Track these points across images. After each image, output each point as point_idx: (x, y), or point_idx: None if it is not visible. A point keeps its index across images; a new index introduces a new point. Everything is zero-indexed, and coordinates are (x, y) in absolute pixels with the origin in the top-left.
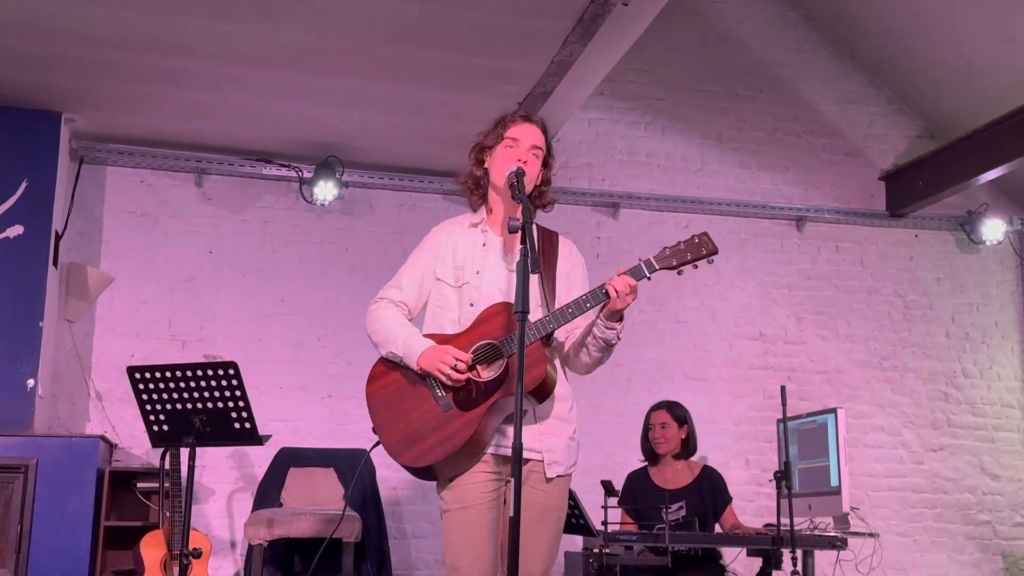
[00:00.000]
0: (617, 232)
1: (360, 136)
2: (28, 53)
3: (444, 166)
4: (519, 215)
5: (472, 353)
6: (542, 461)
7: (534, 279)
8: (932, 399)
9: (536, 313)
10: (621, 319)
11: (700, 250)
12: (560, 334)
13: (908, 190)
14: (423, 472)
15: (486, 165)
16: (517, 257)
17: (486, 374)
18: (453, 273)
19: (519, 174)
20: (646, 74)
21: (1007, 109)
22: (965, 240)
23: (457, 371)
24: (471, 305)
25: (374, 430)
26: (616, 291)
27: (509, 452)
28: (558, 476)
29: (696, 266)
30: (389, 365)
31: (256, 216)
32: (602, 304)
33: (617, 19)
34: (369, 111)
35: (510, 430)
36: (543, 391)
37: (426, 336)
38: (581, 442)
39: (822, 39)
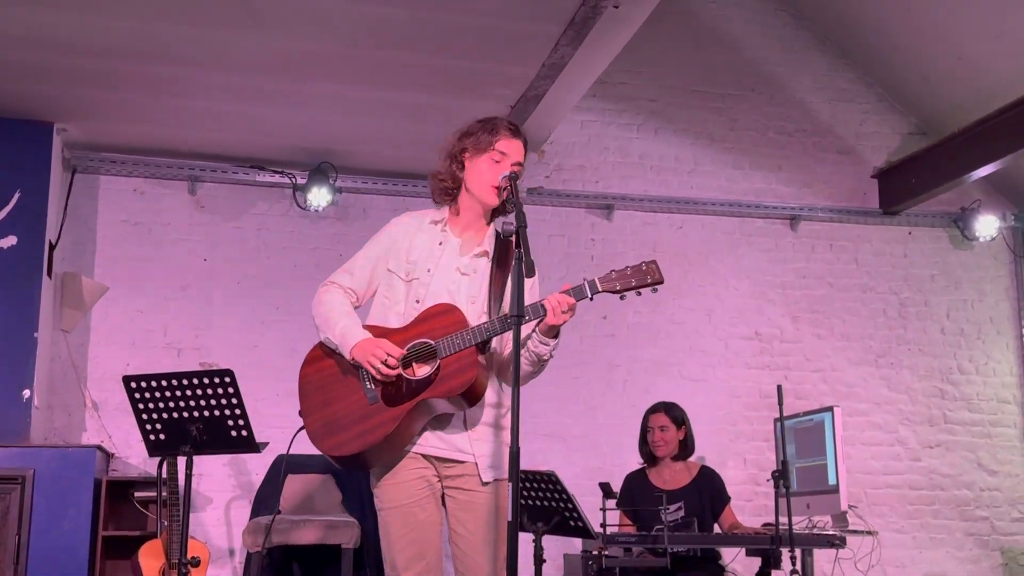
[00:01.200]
0: (611, 234)
1: (353, 141)
2: (19, 63)
3: (437, 170)
4: (512, 220)
5: (407, 350)
6: (476, 464)
7: (484, 285)
8: (928, 396)
9: (479, 319)
10: (556, 336)
11: (646, 277)
12: (496, 343)
13: (901, 187)
14: (344, 461)
15: (466, 168)
16: (472, 263)
17: (419, 373)
18: (405, 267)
19: (513, 178)
20: (638, 75)
21: (999, 105)
22: (959, 236)
23: (387, 366)
24: (417, 302)
25: (300, 413)
26: (552, 307)
27: (443, 454)
28: (496, 479)
29: (639, 293)
30: (326, 350)
31: (250, 223)
32: (540, 319)
33: (608, 21)
34: (361, 116)
35: (445, 434)
36: (472, 396)
37: (368, 326)
38: (577, 444)
39: (812, 37)
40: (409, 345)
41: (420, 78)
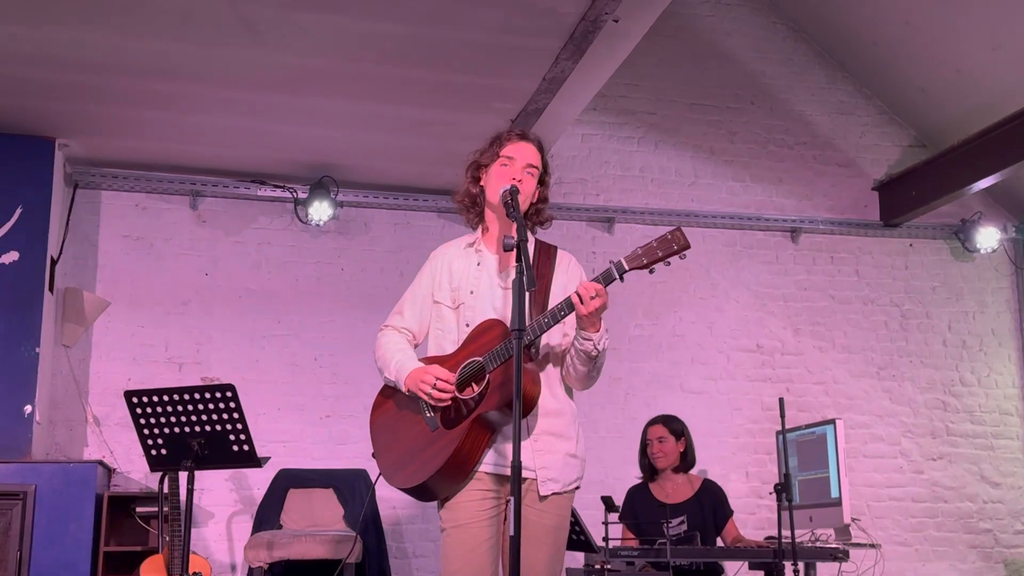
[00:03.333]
0: (612, 247)
1: (354, 156)
2: (21, 79)
3: (438, 184)
4: (514, 233)
5: (460, 371)
6: (536, 479)
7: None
8: (930, 408)
9: None
10: (598, 329)
11: (671, 246)
12: (561, 350)
13: (901, 200)
14: (418, 492)
15: (482, 183)
16: (511, 274)
17: (472, 392)
18: (450, 295)
19: (513, 192)
20: (638, 89)
21: (998, 117)
22: (960, 248)
23: (438, 390)
24: (467, 325)
25: (373, 455)
26: (579, 296)
27: (506, 471)
28: (554, 494)
29: (668, 263)
30: (388, 391)
31: (251, 238)
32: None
33: (608, 36)
34: (362, 131)
35: (506, 448)
36: (526, 404)
37: (428, 358)
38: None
39: (811, 50)
40: (461, 367)
41: (421, 92)
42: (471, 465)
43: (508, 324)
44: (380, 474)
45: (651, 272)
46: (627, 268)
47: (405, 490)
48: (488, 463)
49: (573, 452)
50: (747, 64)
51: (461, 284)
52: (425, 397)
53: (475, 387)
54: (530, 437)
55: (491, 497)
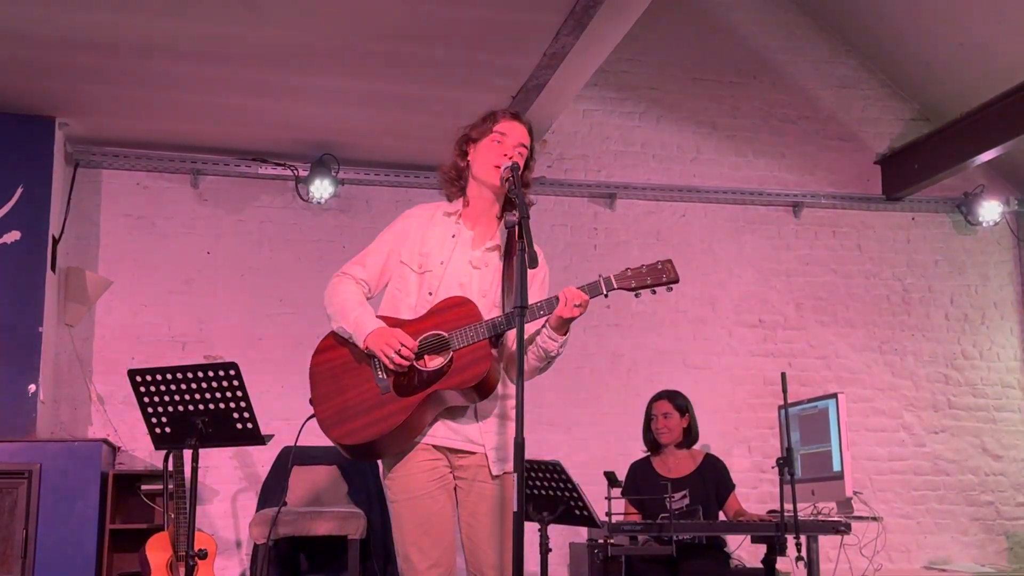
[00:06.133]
0: (614, 223)
1: (355, 133)
2: (21, 59)
3: (439, 161)
4: (515, 213)
5: (420, 341)
6: (486, 456)
7: (496, 279)
8: (932, 381)
9: (492, 312)
10: (566, 332)
11: (661, 276)
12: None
13: (904, 173)
14: (355, 451)
15: (470, 157)
16: (482, 254)
17: (432, 364)
18: (418, 259)
19: (514, 168)
20: (639, 64)
21: (1001, 90)
22: (962, 222)
23: (401, 356)
24: (429, 294)
25: (311, 401)
26: (565, 297)
27: (455, 444)
28: (506, 473)
29: (654, 292)
30: (338, 339)
31: (253, 216)
32: (548, 315)
33: (609, 10)
34: (363, 108)
35: (457, 424)
36: (485, 388)
37: (380, 317)
38: (582, 433)
39: (813, 23)
40: (422, 337)
41: (421, 69)
42: (415, 434)
43: (478, 305)
44: (312, 417)
45: (636, 296)
46: (615, 286)
47: (342, 445)
48: (438, 436)
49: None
50: (749, 38)
51: (432, 251)
52: (385, 360)
53: (435, 360)
54: (479, 419)
55: (441, 467)
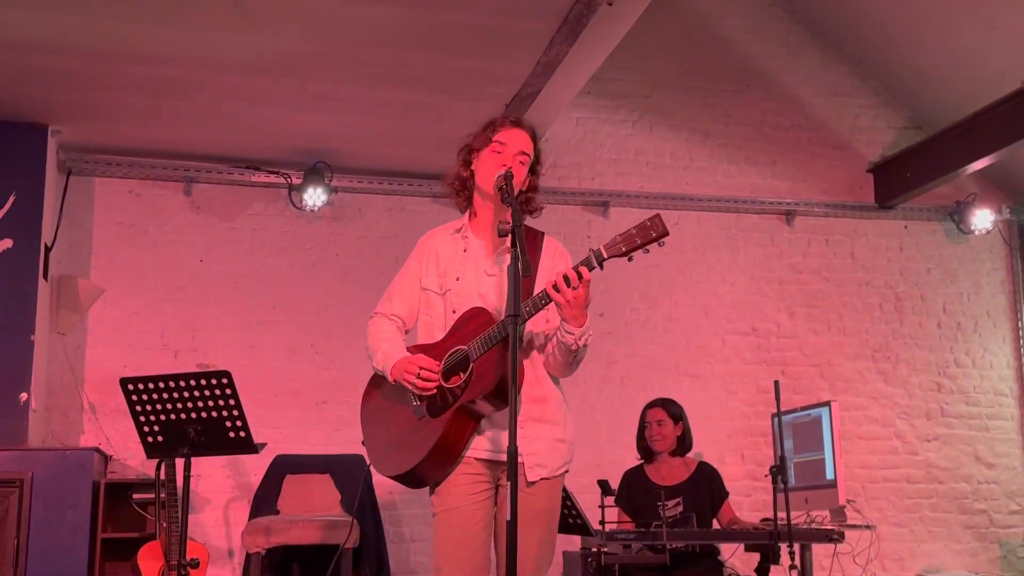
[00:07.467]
0: (608, 231)
1: (348, 141)
2: (13, 65)
3: (433, 169)
4: (508, 218)
5: (445, 360)
6: (523, 463)
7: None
8: (925, 389)
9: None
10: (581, 324)
11: (650, 232)
12: (534, 336)
13: (896, 181)
14: (406, 479)
15: (473, 167)
16: (498, 261)
17: (455, 380)
18: (437, 281)
19: (507, 177)
20: (632, 72)
21: (993, 98)
22: (954, 230)
23: (422, 379)
24: (453, 312)
25: (363, 443)
26: (555, 286)
27: (495, 456)
28: (542, 479)
29: (647, 251)
30: (377, 380)
31: (245, 224)
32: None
33: (602, 19)
34: (356, 116)
35: (495, 434)
36: (504, 393)
37: (416, 346)
38: (576, 441)
39: (806, 32)
40: (447, 355)
41: (414, 77)
42: (457, 452)
43: (492, 312)
44: (370, 463)
45: (630, 260)
46: (605, 256)
47: (394, 477)
48: (478, 449)
49: (560, 437)
50: (742, 46)
51: (448, 270)
52: (410, 387)
53: (461, 375)
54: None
55: (482, 481)
